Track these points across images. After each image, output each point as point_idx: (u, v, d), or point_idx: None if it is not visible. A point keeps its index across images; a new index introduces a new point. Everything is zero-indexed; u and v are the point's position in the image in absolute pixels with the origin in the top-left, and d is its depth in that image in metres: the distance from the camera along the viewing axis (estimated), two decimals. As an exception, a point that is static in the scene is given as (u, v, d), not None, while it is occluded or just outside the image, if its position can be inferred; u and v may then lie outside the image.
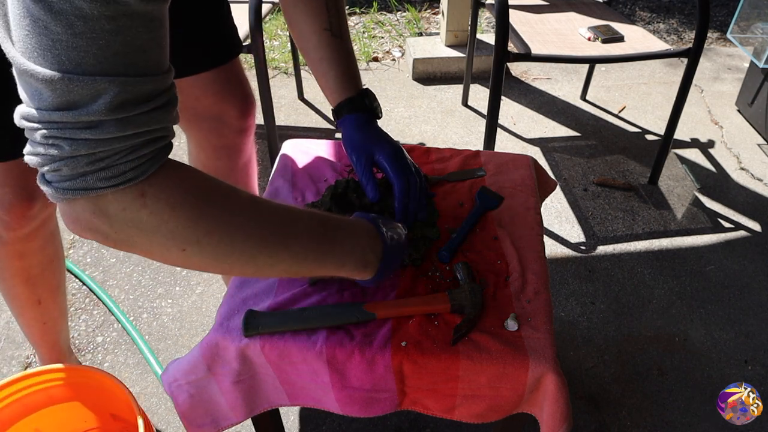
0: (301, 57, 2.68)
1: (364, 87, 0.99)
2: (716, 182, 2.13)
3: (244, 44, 1.76)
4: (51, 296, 1.22)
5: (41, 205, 1.04)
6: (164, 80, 0.55)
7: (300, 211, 0.74)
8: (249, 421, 1.04)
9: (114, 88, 0.49)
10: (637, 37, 1.92)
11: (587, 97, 2.60)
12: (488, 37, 2.83)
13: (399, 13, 3.34)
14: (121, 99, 0.50)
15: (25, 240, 1.08)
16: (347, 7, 3.31)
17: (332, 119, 2.38)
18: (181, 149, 2.22)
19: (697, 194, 2.07)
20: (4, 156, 0.95)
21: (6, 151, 0.95)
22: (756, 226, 1.94)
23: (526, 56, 1.76)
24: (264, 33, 2.22)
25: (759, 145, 2.32)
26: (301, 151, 1.23)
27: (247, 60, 2.78)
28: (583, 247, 1.84)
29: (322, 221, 0.75)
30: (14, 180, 0.99)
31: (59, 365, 1.12)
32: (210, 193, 0.61)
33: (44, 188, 0.53)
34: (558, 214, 1.96)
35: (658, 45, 1.87)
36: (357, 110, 0.96)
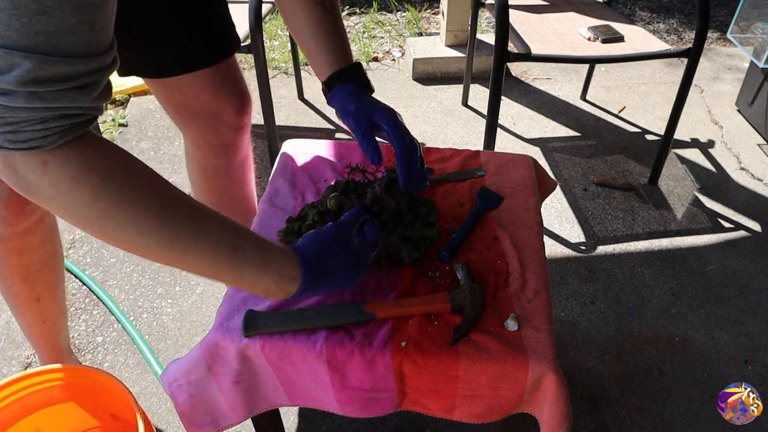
0: (301, 57, 2.68)
1: (356, 61, 0.97)
2: (716, 182, 2.13)
3: (244, 44, 1.76)
4: (50, 294, 1.21)
5: None
6: (90, 63, 0.56)
7: (215, 222, 0.70)
8: (249, 421, 1.03)
9: (28, 64, 0.51)
10: (637, 37, 1.92)
11: (587, 97, 2.60)
12: (488, 37, 2.83)
13: (399, 13, 3.34)
14: (33, 75, 0.52)
15: (23, 236, 1.08)
16: (347, 7, 3.31)
17: (332, 119, 2.40)
18: (181, 149, 2.22)
19: (697, 194, 2.07)
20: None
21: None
22: (756, 226, 1.94)
23: (526, 56, 1.76)
24: (264, 33, 2.22)
25: (759, 145, 2.32)
26: (301, 151, 1.23)
27: (247, 60, 2.78)
28: (583, 247, 1.84)
29: (234, 235, 0.71)
30: None
31: (59, 365, 1.12)
32: (118, 179, 0.61)
33: None
34: (558, 214, 1.96)
35: (658, 45, 1.87)
36: (350, 81, 0.94)
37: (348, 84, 0.93)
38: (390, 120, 0.91)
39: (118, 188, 0.61)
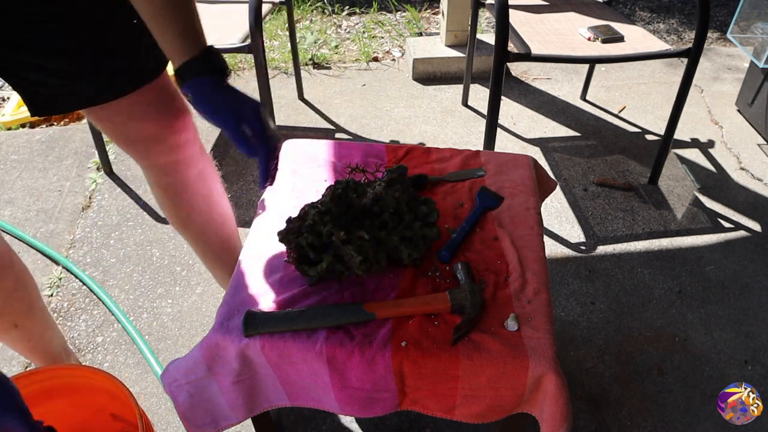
0: (301, 56, 2.68)
1: (208, 45, 0.89)
2: (716, 182, 2.13)
3: (244, 44, 1.76)
4: (26, 318, 1.18)
5: None
6: None
7: None
8: (249, 421, 1.04)
9: None
10: (637, 37, 1.92)
11: (587, 97, 2.60)
12: (488, 37, 2.83)
13: (399, 13, 3.34)
14: None
15: None
16: (347, 7, 3.31)
17: (332, 119, 2.40)
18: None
19: (697, 194, 2.07)
20: None
21: None
22: (756, 226, 1.94)
23: (526, 56, 1.76)
24: (264, 33, 2.22)
25: (759, 145, 2.32)
26: (301, 151, 1.23)
27: (247, 60, 2.78)
28: (583, 247, 1.84)
29: None
30: None
31: (59, 365, 1.12)
32: None
33: None
34: (558, 214, 1.96)
35: (658, 45, 1.87)
36: (202, 73, 0.87)
37: (202, 77, 0.87)
38: (257, 121, 0.88)
39: None
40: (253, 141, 0.87)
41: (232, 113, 0.87)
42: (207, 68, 0.87)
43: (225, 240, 1.36)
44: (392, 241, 0.94)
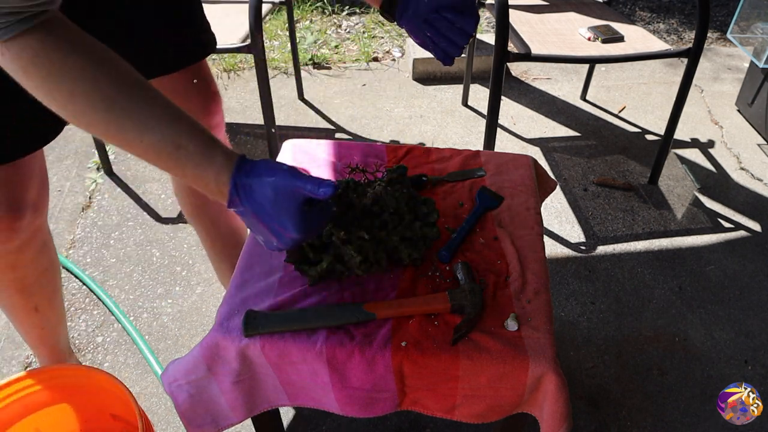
0: (301, 56, 2.68)
1: None
2: (716, 182, 2.13)
3: (244, 44, 1.76)
4: (48, 303, 1.21)
5: (30, 217, 1.02)
6: None
7: (160, 119, 0.72)
8: (249, 421, 1.04)
9: None
10: (637, 37, 1.92)
11: (587, 97, 2.60)
12: (488, 37, 2.83)
13: (399, 13, 3.34)
14: None
15: (16, 252, 1.06)
16: (347, 7, 3.31)
17: (332, 119, 2.40)
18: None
19: (697, 194, 2.07)
20: None
21: None
22: (756, 226, 1.94)
23: (526, 56, 1.76)
24: (264, 33, 2.22)
25: (759, 145, 2.32)
26: (301, 151, 1.23)
27: (247, 60, 2.78)
28: (583, 247, 1.84)
29: (177, 133, 0.72)
30: (0, 193, 0.97)
31: (59, 365, 1.12)
32: (69, 73, 0.66)
33: None
34: (558, 214, 1.96)
35: (658, 45, 1.87)
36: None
37: None
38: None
39: (66, 81, 0.66)
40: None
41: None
42: None
43: (234, 232, 1.37)
44: (392, 241, 0.94)
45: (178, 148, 0.71)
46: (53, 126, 1.00)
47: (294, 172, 0.74)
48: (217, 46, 1.24)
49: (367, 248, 0.91)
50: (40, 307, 1.19)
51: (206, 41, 1.20)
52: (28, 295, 1.16)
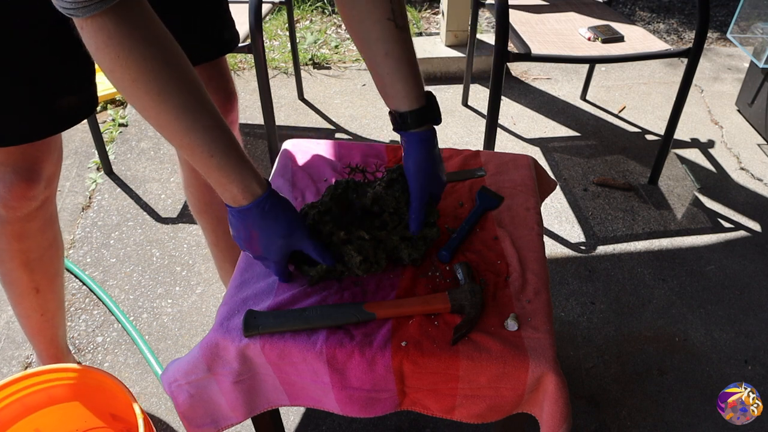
0: (301, 56, 2.68)
1: (427, 90, 0.91)
2: (716, 182, 2.13)
3: (244, 44, 1.76)
4: (49, 285, 1.21)
5: (43, 185, 1.06)
6: None
7: (204, 128, 0.76)
8: (249, 421, 1.04)
9: None
10: (637, 37, 1.92)
11: (587, 97, 2.60)
12: (488, 37, 2.83)
13: (399, 13, 3.34)
14: None
15: (25, 221, 1.08)
16: (347, 7, 3.31)
17: (332, 119, 2.40)
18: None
19: (697, 194, 2.07)
20: (6, 141, 0.98)
21: (9, 136, 0.97)
22: (756, 226, 1.94)
23: (526, 56, 1.76)
24: (264, 33, 2.22)
25: (759, 145, 2.32)
26: (301, 151, 1.23)
27: (247, 60, 2.78)
28: (583, 247, 1.84)
29: (214, 143, 0.77)
30: (16, 160, 1.01)
31: (59, 365, 1.12)
32: (129, 60, 0.69)
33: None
34: (558, 214, 1.96)
35: (658, 45, 1.87)
36: (424, 122, 0.90)
37: (423, 130, 0.91)
38: (436, 197, 0.97)
39: (131, 69, 0.69)
40: (421, 213, 0.94)
41: (427, 183, 0.93)
42: (429, 118, 0.91)
43: None
44: (392, 241, 0.94)
45: (211, 156, 0.77)
46: (85, 109, 1.05)
47: (308, 233, 0.87)
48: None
49: (367, 248, 0.91)
50: (41, 288, 1.20)
51: (230, 37, 1.21)
52: (30, 271, 1.16)
